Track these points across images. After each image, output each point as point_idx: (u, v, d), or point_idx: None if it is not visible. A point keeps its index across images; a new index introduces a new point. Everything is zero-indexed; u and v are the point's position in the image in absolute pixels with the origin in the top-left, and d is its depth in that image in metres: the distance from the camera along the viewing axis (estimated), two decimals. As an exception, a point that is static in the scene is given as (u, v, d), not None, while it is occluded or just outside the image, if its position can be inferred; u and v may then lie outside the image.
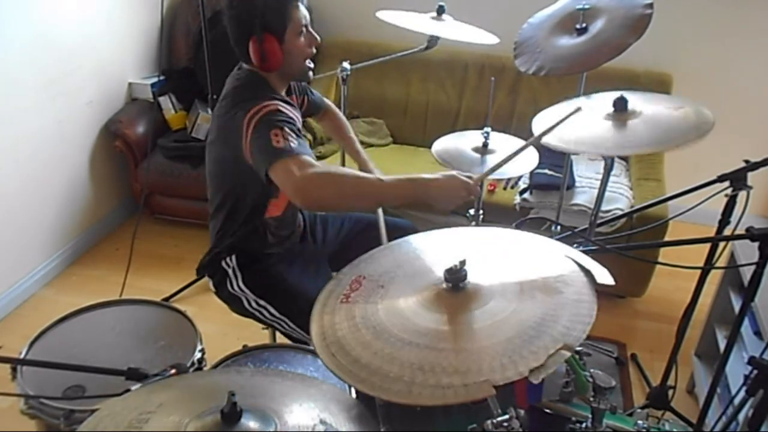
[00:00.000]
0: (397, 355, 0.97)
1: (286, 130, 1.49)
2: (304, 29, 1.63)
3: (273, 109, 1.52)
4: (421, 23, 2.15)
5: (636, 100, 1.69)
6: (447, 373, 0.92)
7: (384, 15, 2.18)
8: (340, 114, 2.12)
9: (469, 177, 1.49)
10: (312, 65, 1.71)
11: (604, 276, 1.09)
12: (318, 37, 1.67)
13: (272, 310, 1.79)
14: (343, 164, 2.49)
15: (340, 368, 0.98)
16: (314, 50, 1.68)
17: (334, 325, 1.07)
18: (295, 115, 1.61)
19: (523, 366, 0.90)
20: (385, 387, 0.92)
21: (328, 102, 2.09)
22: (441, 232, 1.32)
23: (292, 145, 1.46)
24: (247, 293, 1.79)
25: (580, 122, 1.69)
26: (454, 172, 1.50)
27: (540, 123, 1.74)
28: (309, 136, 3.18)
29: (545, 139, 1.62)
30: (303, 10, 1.62)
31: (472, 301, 1.05)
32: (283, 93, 1.73)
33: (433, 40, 2.19)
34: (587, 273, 1.10)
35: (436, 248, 1.27)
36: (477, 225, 2.21)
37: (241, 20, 1.56)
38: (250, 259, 1.80)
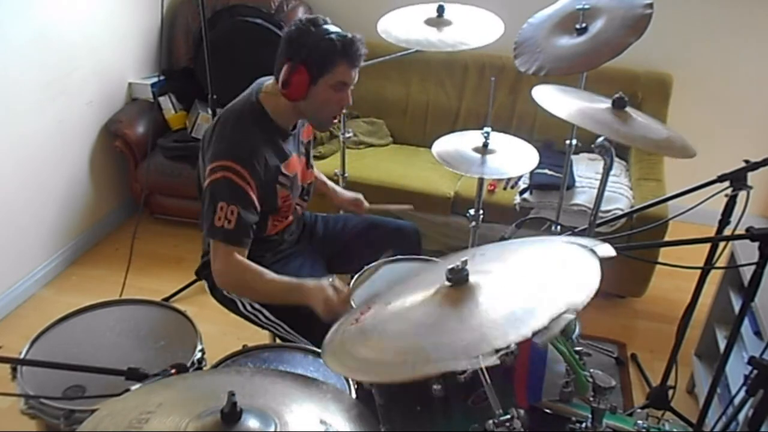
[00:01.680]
0: (402, 345, 0.99)
1: (232, 207, 1.57)
2: (342, 86, 1.65)
3: (225, 177, 1.57)
4: (418, 35, 2.14)
5: (631, 112, 1.70)
6: (451, 349, 0.93)
7: (383, 26, 2.18)
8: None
9: (339, 290, 1.58)
10: (335, 121, 1.76)
11: (605, 249, 1.09)
12: (351, 101, 1.70)
13: (267, 314, 1.79)
14: (343, 164, 2.50)
15: (347, 368, 1.01)
16: (342, 111, 1.74)
17: (344, 345, 1.09)
18: (252, 185, 1.60)
19: (525, 328, 0.90)
20: (390, 371, 0.95)
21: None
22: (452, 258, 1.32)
23: (228, 227, 1.57)
24: (241, 297, 1.80)
25: (582, 104, 1.70)
26: (325, 283, 1.59)
27: (540, 92, 1.74)
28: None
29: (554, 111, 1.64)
30: (352, 73, 1.64)
31: (475, 291, 1.06)
32: (290, 125, 1.75)
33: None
34: (589, 250, 1.10)
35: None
36: (477, 225, 2.22)
37: (292, 41, 1.60)
38: None
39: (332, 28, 1.60)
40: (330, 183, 2.14)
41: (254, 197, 1.62)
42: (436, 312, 1.05)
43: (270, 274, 1.64)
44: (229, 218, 1.57)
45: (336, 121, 1.77)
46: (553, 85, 1.84)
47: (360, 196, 2.13)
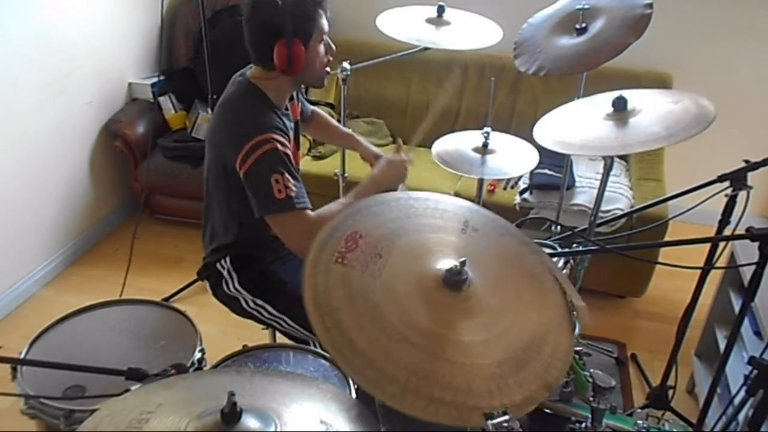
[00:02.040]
0: (393, 349, 0.95)
1: (286, 175, 1.54)
2: (325, 37, 1.66)
3: (271, 148, 1.54)
4: (418, 33, 2.14)
5: (635, 98, 1.69)
6: (440, 386, 0.92)
7: (383, 22, 2.18)
8: (321, 112, 2.11)
9: (395, 154, 1.79)
10: (329, 71, 1.73)
11: (584, 313, 1.12)
12: (334, 46, 1.70)
13: (271, 309, 1.79)
14: (343, 164, 2.49)
15: (334, 346, 0.94)
16: (330, 58, 1.71)
17: (328, 290, 1.01)
18: (288, 142, 1.61)
19: (507, 398, 0.94)
20: (379, 384, 0.91)
21: (313, 107, 2.08)
22: (436, 197, 1.27)
23: (291, 194, 1.54)
24: (244, 294, 1.80)
25: (581, 124, 1.70)
26: (384, 159, 1.81)
27: (541, 129, 1.75)
28: (309, 138, 3.18)
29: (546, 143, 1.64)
30: (325, 22, 1.64)
31: (470, 307, 1.05)
32: (287, 100, 1.74)
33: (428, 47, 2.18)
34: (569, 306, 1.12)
35: (435, 219, 1.22)
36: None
37: (268, 22, 1.57)
38: (244, 260, 1.80)
39: None
40: (355, 135, 2.10)
41: (293, 163, 1.62)
42: (428, 319, 1.03)
43: (344, 204, 1.62)
44: (287, 185, 1.53)
45: (329, 71, 1.74)
46: (550, 112, 1.82)
47: (382, 154, 2.02)
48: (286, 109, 1.77)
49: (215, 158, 1.69)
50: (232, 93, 1.69)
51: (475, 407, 0.91)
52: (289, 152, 1.59)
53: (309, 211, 1.57)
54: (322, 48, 1.66)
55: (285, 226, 1.57)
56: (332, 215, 1.56)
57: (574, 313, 1.11)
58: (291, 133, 1.76)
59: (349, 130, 2.11)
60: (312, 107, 2.07)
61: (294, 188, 1.55)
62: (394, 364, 0.93)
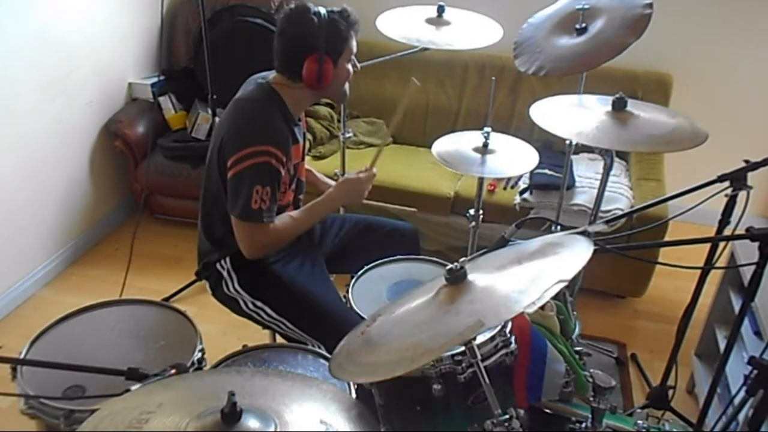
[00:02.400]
0: (399, 344, 1.02)
1: (267, 188, 1.62)
2: (352, 57, 1.73)
3: (265, 162, 1.61)
4: (418, 33, 2.14)
5: (633, 107, 1.70)
6: (447, 335, 0.95)
7: (383, 23, 2.18)
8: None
9: (359, 172, 1.84)
10: (348, 88, 1.81)
11: (595, 226, 1.13)
12: (359, 66, 1.78)
13: (270, 312, 1.79)
14: (343, 164, 2.49)
15: (353, 374, 1.05)
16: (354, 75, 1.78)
17: (350, 354, 1.12)
18: (284, 160, 1.66)
19: (517, 306, 0.93)
20: (390, 369, 0.97)
21: None
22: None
23: (263, 207, 1.63)
24: (243, 295, 1.80)
25: (580, 115, 1.70)
26: (341, 179, 1.86)
27: (537, 112, 1.75)
28: (309, 137, 3.18)
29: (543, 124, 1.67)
30: (354, 43, 1.71)
31: (472, 287, 1.07)
32: (300, 114, 1.79)
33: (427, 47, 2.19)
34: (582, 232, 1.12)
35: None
36: (477, 225, 2.22)
37: (302, 37, 1.63)
38: (244, 262, 1.80)
39: (322, 9, 1.65)
40: (319, 174, 2.13)
41: (283, 172, 1.69)
42: (435, 311, 1.06)
43: (295, 218, 1.76)
44: (264, 199, 1.63)
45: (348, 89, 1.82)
46: (550, 98, 1.83)
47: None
48: (299, 120, 1.79)
49: (218, 150, 1.71)
50: (251, 92, 1.72)
51: (477, 321, 0.94)
52: (281, 170, 1.66)
53: (269, 225, 1.67)
54: (349, 67, 1.73)
55: (246, 233, 1.68)
56: (285, 229, 1.74)
57: (575, 313, 1.12)
58: (300, 143, 1.77)
59: (315, 171, 2.15)
60: None
61: (267, 201, 1.63)
62: (404, 348, 1.00)
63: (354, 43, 1.71)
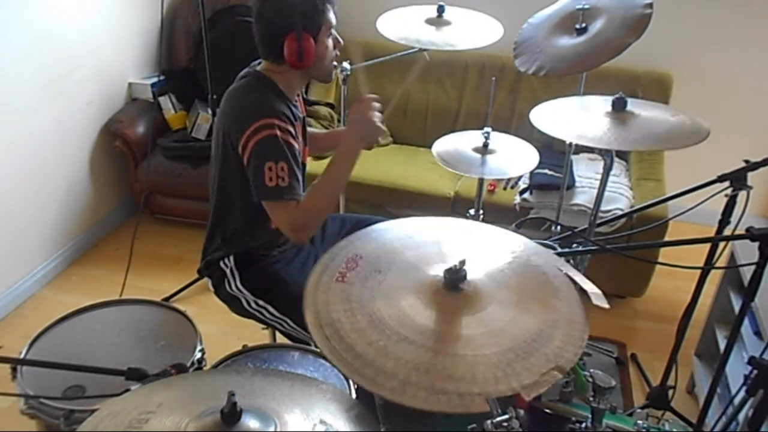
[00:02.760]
0: (392, 349, 0.97)
1: (281, 163, 1.56)
2: (333, 31, 1.69)
3: (269, 135, 1.56)
4: (418, 33, 2.14)
5: (634, 106, 1.70)
6: (441, 377, 0.92)
7: (383, 24, 2.18)
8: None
9: (360, 101, 1.71)
10: (336, 65, 1.77)
11: (599, 298, 1.10)
12: (341, 40, 1.73)
13: (272, 310, 1.79)
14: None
15: (333, 353, 0.97)
16: (338, 52, 1.74)
17: (329, 305, 1.06)
18: (292, 132, 1.62)
19: (515, 381, 0.91)
20: (379, 382, 0.92)
21: None
22: (438, 221, 1.31)
23: (281, 184, 1.56)
24: (246, 294, 1.79)
25: (580, 117, 1.70)
26: (350, 115, 1.72)
27: (539, 115, 1.75)
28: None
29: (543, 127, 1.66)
30: (333, 16, 1.67)
31: (470, 304, 1.05)
32: (295, 96, 1.75)
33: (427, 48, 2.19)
34: (583, 293, 1.11)
35: (435, 237, 1.25)
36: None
37: (277, 17, 1.60)
38: (247, 260, 1.80)
39: None
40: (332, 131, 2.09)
41: (297, 145, 1.63)
42: (428, 318, 1.03)
43: (319, 183, 1.65)
44: (280, 175, 1.56)
45: (336, 66, 1.77)
46: (550, 101, 1.83)
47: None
48: (296, 102, 1.78)
49: (222, 144, 1.69)
50: (242, 83, 1.71)
51: (480, 393, 0.91)
52: (291, 140, 1.60)
53: (296, 202, 1.60)
54: (330, 42, 1.69)
55: (274, 213, 1.62)
56: (317, 198, 1.65)
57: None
58: (299, 123, 1.76)
59: (322, 132, 2.13)
60: None
61: (286, 178, 1.56)
62: (394, 361, 0.94)
63: (332, 16, 1.66)
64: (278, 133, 1.57)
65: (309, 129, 2.04)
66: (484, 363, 0.94)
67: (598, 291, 1.10)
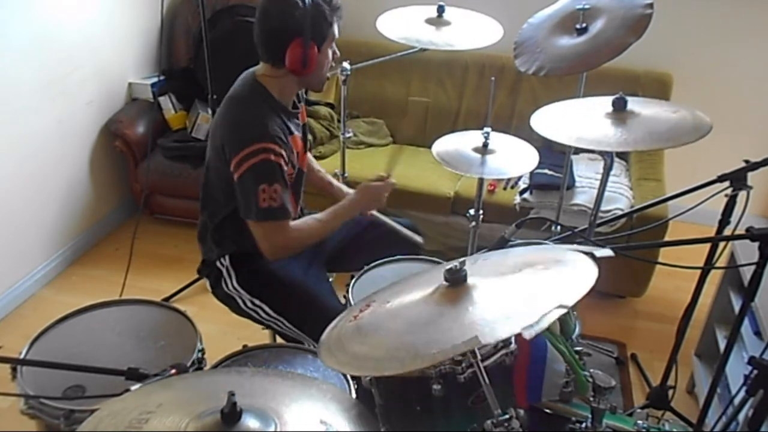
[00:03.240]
0: (393, 342, 1.01)
1: (274, 185, 1.60)
2: (333, 44, 1.71)
3: (265, 159, 1.60)
4: (418, 33, 2.14)
5: (634, 105, 1.70)
6: (439, 344, 0.93)
7: (383, 23, 2.18)
8: (311, 159, 2.10)
9: (378, 179, 1.86)
10: (329, 76, 1.78)
11: (603, 251, 1.10)
12: (338, 53, 1.76)
13: (267, 310, 1.79)
14: (343, 164, 2.49)
15: (339, 362, 1.02)
16: (334, 64, 1.76)
17: (340, 338, 1.10)
18: (285, 156, 1.65)
19: (515, 325, 0.91)
20: (379, 367, 0.96)
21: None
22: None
23: (273, 205, 1.61)
24: (242, 293, 1.80)
25: (580, 119, 1.70)
26: (362, 185, 1.84)
27: (539, 120, 1.75)
28: (309, 137, 3.18)
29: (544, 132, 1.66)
30: (337, 26, 1.70)
31: (472, 292, 1.06)
32: (291, 101, 1.76)
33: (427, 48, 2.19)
34: (588, 253, 1.10)
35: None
36: (477, 225, 2.22)
37: (287, 20, 1.59)
38: (243, 259, 1.81)
39: None
40: (334, 181, 2.12)
41: (288, 166, 1.67)
42: (431, 311, 1.05)
43: (317, 219, 1.76)
44: (273, 197, 1.60)
45: (329, 76, 1.79)
46: (550, 105, 1.83)
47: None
48: (294, 107, 1.78)
49: (216, 152, 1.71)
50: (238, 90, 1.72)
51: (474, 337, 0.91)
52: (283, 163, 1.64)
53: (287, 222, 1.65)
54: (330, 53, 1.71)
55: (261, 233, 1.66)
56: (308, 230, 1.73)
57: (574, 313, 1.11)
58: (297, 134, 1.76)
59: (330, 178, 2.12)
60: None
61: (278, 199, 1.61)
62: (395, 348, 0.99)
63: (337, 29, 1.69)
64: (272, 157, 1.60)
65: (313, 164, 2.08)
66: (483, 318, 0.96)
67: (604, 247, 1.10)
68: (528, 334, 0.89)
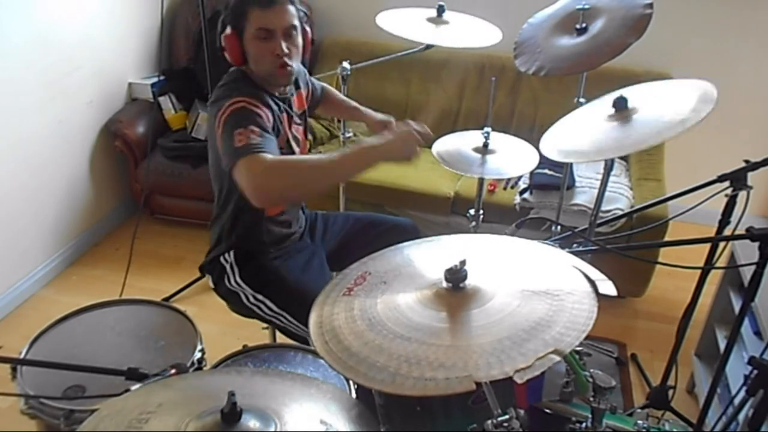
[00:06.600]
0: (387, 346, 0.99)
1: (250, 127, 1.51)
2: (265, 33, 1.61)
3: (238, 107, 1.56)
4: (418, 30, 2.14)
5: (635, 95, 1.68)
6: (432, 367, 0.93)
7: (383, 20, 2.18)
8: (330, 88, 2.13)
9: (405, 124, 1.61)
10: (289, 69, 1.66)
11: (607, 287, 1.10)
12: (285, 50, 1.63)
13: (270, 305, 1.80)
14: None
15: (330, 354, 1.01)
16: (283, 59, 1.63)
17: (332, 315, 1.10)
18: (265, 113, 1.60)
19: (509, 366, 0.91)
20: (370, 376, 0.94)
21: (323, 84, 2.11)
22: (451, 238, 1.33)
23: (252, 142, 1.47)
24: (245, 288, 1.80)
25: (584, 130, 1.69)
26: (404, 127, 1.60)
27: (547, 142, 1.75)
28: (309, 137, 3.18)
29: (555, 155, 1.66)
30: (268, 16, 1.60)
31: (471, 301, 1.06)
32: (277, 89, 1.75)
33: (428, 47, 2.19)
34: (591, 283, 1.10)
35: (444, 252, 1.28)
36: (477, 225, 2.22)
37: (218, 18, 1.68)
38: (248, 255, 1.82)
39: None
40: (360, 107, 2.11)
41: (269, 123, 1.58)
42: (427, 317, 1.04)
43: (306, 160, 1.53)
44: (250, 136, 1.48)
45: (289, 69, 1.65)
46: (553, 128, 1.82)
47: (391, 120, 2.03)
48: (283, 94, 1.78)
49: (210, 141, 1.71)
50: (223, 79, 1.74)
51: (467, 376, 0.91)
52: (260, 111, 1.57)
53: (265, 154, 1.46)
54: (261, 45, 1.62)
55: (241, 172, 1.46)
56: (288, 162, 1.53)
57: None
58: (284, 115, 1.76)
59: (355, 103, 2.13)
60: (321, 84, 2.10)
61: (256, 138, 1.49)
62: (387, 356, 0.97)
63: (261, 18, 1.59)
64: (248, 105, 1.56)
65: (336, 95, 2.09)
66: (478, 352, 0.95)
67: (607, 281, 1.11)
68: (519, 379, 0.88)
